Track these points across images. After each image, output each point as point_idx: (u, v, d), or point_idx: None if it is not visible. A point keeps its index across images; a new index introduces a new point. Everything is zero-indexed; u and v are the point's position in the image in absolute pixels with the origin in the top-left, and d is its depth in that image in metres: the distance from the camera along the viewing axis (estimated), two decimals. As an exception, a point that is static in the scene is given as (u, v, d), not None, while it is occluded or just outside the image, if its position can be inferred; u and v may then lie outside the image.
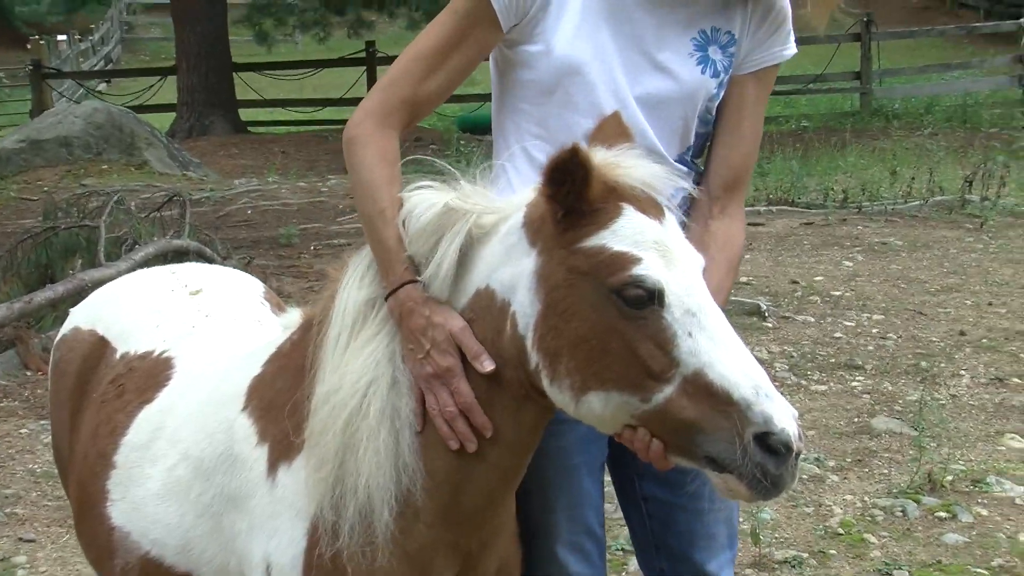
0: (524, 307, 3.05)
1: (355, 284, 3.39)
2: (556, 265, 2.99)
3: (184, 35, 30.52)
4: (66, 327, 4.76)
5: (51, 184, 21.17)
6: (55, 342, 4.80)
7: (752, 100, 3.70)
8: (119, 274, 9.08)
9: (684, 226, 3.42)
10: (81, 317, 4.70)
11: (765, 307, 11.05)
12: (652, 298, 2.87)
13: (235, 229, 17.12)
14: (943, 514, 7.29)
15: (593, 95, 3.55)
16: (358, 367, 3.26)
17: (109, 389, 4.19)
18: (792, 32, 3.69)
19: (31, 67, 32.69)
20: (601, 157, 3.04)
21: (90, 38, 48.49)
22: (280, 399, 3.50)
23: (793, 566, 6.76)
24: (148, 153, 23.43)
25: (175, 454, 3.78)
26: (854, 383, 9.43)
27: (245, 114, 33.05)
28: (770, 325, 10.75)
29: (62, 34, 46.51)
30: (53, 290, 11.10)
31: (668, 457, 2.96)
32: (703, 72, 3.59)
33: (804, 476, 7.78)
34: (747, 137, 3.72)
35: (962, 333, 10.40)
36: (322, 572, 3.30)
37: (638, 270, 2.87)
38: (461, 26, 3.56)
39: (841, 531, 7.15)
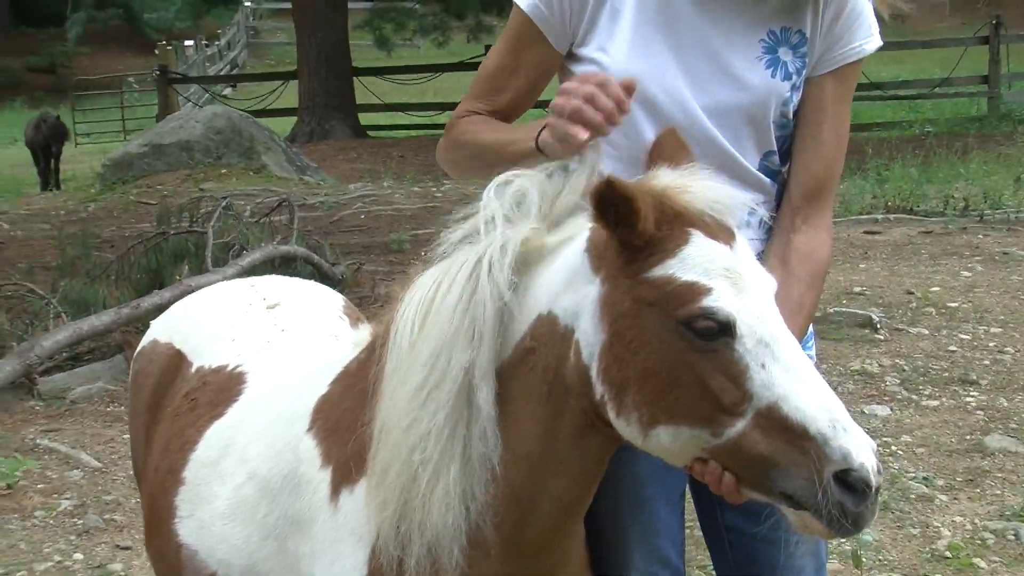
0: (588, 336, 2.88)
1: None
2: (621, 294, 2.84)
3: (305, 40, 30.75)
4: (145, 339, 4.72)
5: (171, 188, 21.36)
6: (135, 354, 4.75)
7: (832, 101, 3.48)
8: (225, 279, 9.05)
9: (766, 240, 3.40)
10: (160, 330, 4.68)
11: (878, 319, 10.76)
12: (724, 330, 2.71)
13: (347, 234, 17.09)
14: (1059, 539, 7.00)
15: (655, 109, 3.40)
16: (416, 383, 3.08)
17: (183, 403, 4.16)
18: (874, 24, 3.47)
19: (158, 72, 33.30)
20: (667, 180, 2.90)
21: (216, 43, 49.25)
22: (345, 420, 3.38)
23: None
24: (266, 157, 23.62)
25: (243, 473, 3.70)
26: (968, 399, 9.12)
27: (365, 118, 33.16)
28: (882, 337, 10.46)
29: (189, 39, 47.16)
30: (160, 296, 11.08)
31: (741, 491, 2.79)
32: (773, 76, 3.40)
33: (912, 496, 7.54)
34: (829, 142, 3.50)
35: (1087, 349, 10.01)
36: None
37: (708, 301, 2.71)
38: (514, 48, 3.60)
39: (948, 555, 6.86)
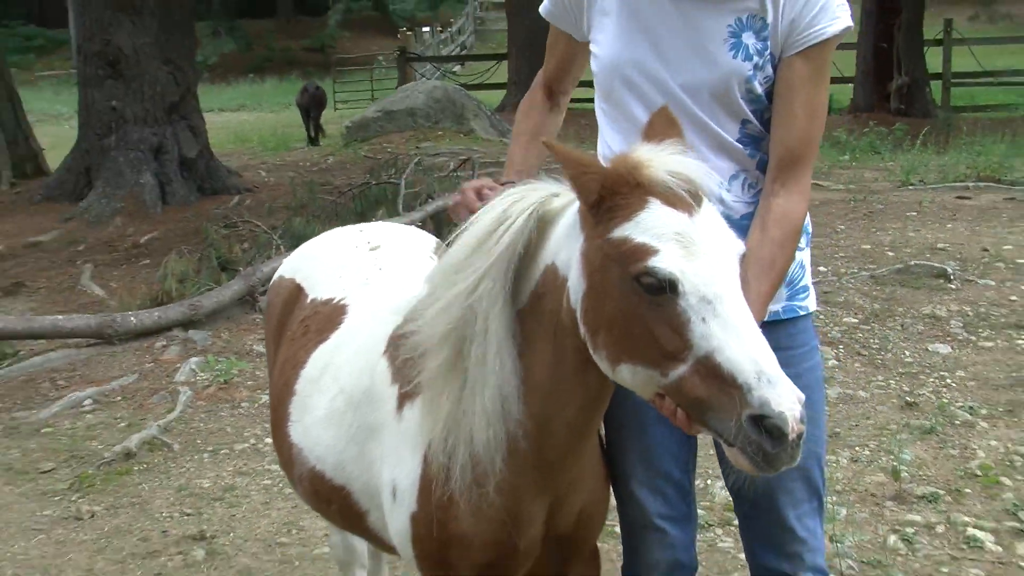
0: (574, 284, 2.89)
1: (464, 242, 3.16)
2: (594, 251, 2.81)
3: (515, 26, 30.88)
4: (276, 275, 4.83)
5: (396, 146, 21.49)
6: (269, 287, 4.90)
7: (802, 79, 3.32)
8: (411, 223, 9.06)
9: (754, 202, 3.41)
10: (286, 268, 4.76)
11: (952, 271, 10.39)
12: (668, 287, 2.66)
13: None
14: (1079, 462, 6.70)
15: (639, 90, 3.41)
16: (444, 319, 3.12)
17: (298, 328, 4.25)
18: (842, 8, 3.32)
19: (398, 53, 34.28)
20: (638, 154, 2.85)
21: (449, 29, 49.65)
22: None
23: (929, 501, 6.30)
24: (474, 123, 23.81)
25: (336, 388, 3.81)
26: (1019, 341, 8.76)
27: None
28: (954, 287, 10.10)
29: (427, 26, 47.72)
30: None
31: (692, 425, 2.75)
32: (735, 57, 3.30)
33: (957, 422, 7.32)
34: (799, 116, 3.32)
35: None
36: (435, 498, 3.25)
37: (653, 261, 2.67)
38: (550, 40, 3.80)
39: (979, 473, 6.61)
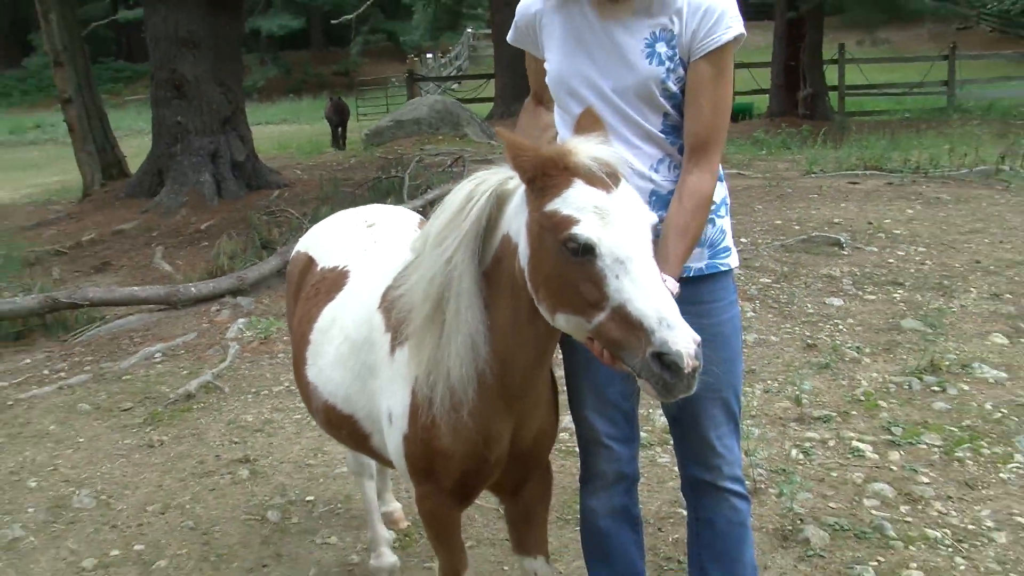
0: (523, 250, 2.92)
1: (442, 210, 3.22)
2: (534, 221, 2.86)
3: (500, 52, 30.70)
4: (294, 250, 4.82)
5: (404, 148, 21.40)
6: (290, 261, 4.84)
7: (705, 78, 3.29)
8: (413, 208, 9.01)
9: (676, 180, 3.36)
10: (301, 243, 4.77)
11: (844, 240, 10.37)
12: (587, 250, 2.71)
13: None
14: (936, 388, 6.70)
15: (579, 95, 3.40)
16: (426, 282, 3.16)
17: (311, 291, 4.27)
18: (735, 18, 3.30)
19: (407, 75, 34.24)
20: (569, 144, 2.88)
21: (448, 55, 49.38)
22: (398, 301, 3.38)
23: (824, 421, 6.32)
24: (468, 129, 23.61)
25: (341, 336, 3.84)
26: (895, 295, 8.74)
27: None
28: (846, 253, 10.07)
29: (430, 53, 47.45)
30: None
31: (615, 364, 2.77)
32: (650, 63, 3.30)
33: (846, 359, 7.32)
34: (705, 108, 3.30)
35: (977, 262, 9.56)
36: (421, 422, 3.33)
37: (575, 229, 2.73)
38: (528, 55, 3.69)
39: (863, 398, 6.62)
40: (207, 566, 5.19)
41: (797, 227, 11.16)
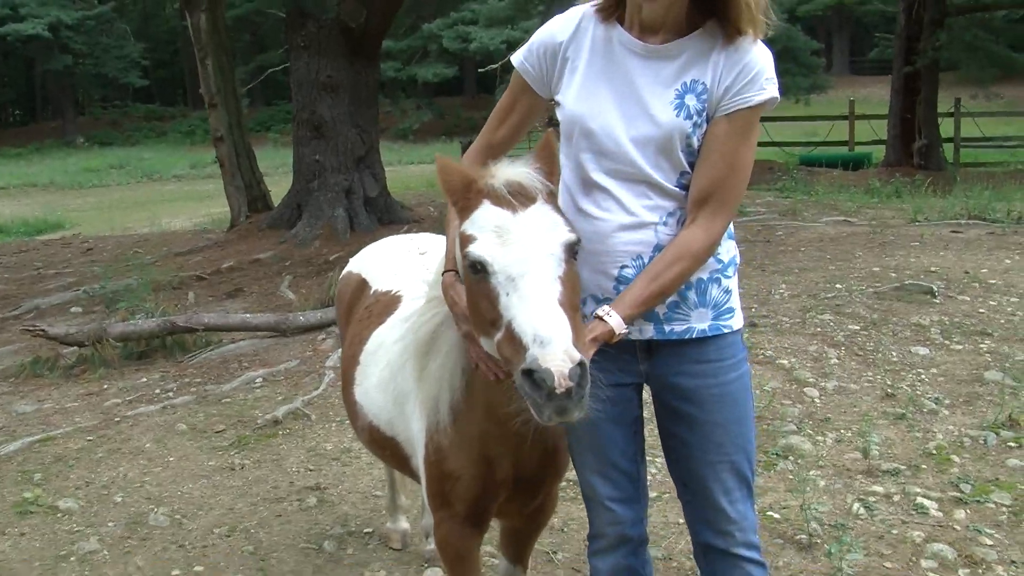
0: None
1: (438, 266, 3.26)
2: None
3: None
4: (344, 270, 4.83)
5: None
6: (339, 279, 4.85)
7: (726, 135, 2.94)
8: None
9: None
10: (353, 264, 4.77)
11: (937, 288, 9.67)
12: (481, 268, 2.65)
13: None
14: (1013, 444, 6.10)
15: (593, 139, 3.03)
16: (426, 328, 3.27)
17: (363, 312, 4.24)
18: (771, 80, 2.94)
19: (547, 120, 33.17)
20: (491, 168, 2.83)
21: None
22: None
23: (892, 474, 5.78)
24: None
25: (384, 360, 3.80)
26: (982, 345, 8.05)
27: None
28: (938, 301, 9.37)
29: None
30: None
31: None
32: (678, 116, 2.93)
33: (924, 410, 6.72)
34: (718, 165, 2.94)
35: (1073, 316, 8.79)
36: (432, 446, 3.35)
37: (471, 247, 2.68)
38: (511, 95, 3.28)
39: (935, 452, 6.06)
40: (256, 593, 4.93)
41: (893, 274, 10.49)
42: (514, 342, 2.52)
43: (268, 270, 14.52)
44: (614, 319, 2.86)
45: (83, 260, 18.02)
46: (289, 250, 15.74)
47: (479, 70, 40.34)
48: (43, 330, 9.53)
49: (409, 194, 18.76)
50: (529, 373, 2.43)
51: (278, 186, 19.57)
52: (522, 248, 2.62)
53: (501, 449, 3.20)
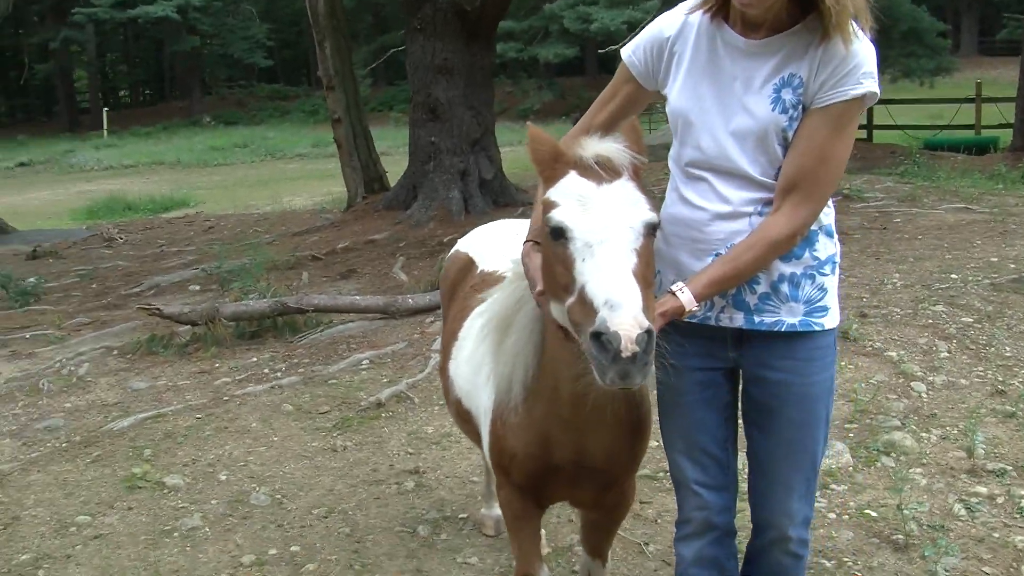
0: None
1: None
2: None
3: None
4: (452, 249, 4.93)
5: (651, 174, 20.86)
6: (447, 257, 4.96)
7: (819, 127, 2.97)
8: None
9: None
10: (462, 244, 4.87)
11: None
12: (561, 233, 2.71)
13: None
14: None
15: (692, 132, 3.12)
16: (506, 303, 3.37)
17: (468, 291, 4.27)
18: (870, 75, 2.94)
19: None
20: (582, 142, 2.89)
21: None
22: None
23: (997, 475, 5.62)
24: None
25: (475, 335, 3.82)
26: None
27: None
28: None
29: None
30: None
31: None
32: (774, 109, 2.99)
33: (1040, 411, 6.48)
34: (805, 155, 2.97)
35: None
36: (496, 422, 3.46)
37: (553, 212, 2.75)
38: (615, 84, 3.37)
39: (1046, 452, 5.86)
40: (350, 574, 5.04)
41: (1012, 265, 10.12)
42: (585, 306, 2.57)
43: (382, 251, 14.73)
44: (685, 295, 2.94)
45: (205, 238, 18.58)
46: (404, 231, 15.94)
47: (600, 51, 40.16)
48: (158, 309, 9.86)
49: (528, 175, 18.78)
50: (597, 336, 2.46)
51: (398, 165, 19.78)
52: (603, 217, 2.68)
53: (562, 434, 3.24)
